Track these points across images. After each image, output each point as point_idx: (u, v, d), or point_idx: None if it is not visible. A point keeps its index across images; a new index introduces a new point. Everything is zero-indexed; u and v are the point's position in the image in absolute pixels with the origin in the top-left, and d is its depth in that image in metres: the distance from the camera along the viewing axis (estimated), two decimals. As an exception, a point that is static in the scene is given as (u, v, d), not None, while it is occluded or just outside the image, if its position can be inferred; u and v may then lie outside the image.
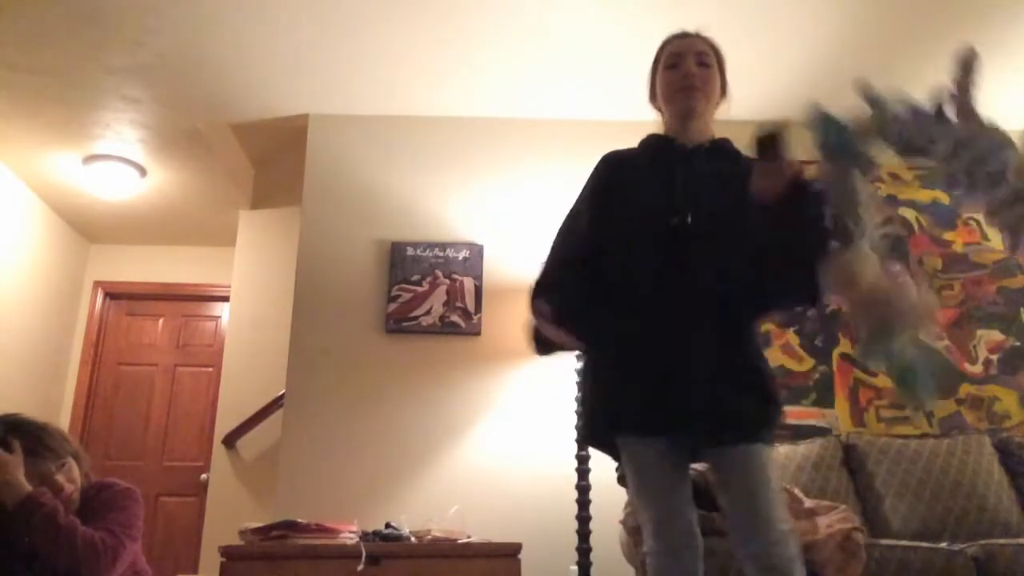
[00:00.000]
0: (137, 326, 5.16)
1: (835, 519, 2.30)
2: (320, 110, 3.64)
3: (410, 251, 3.43)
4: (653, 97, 2.08)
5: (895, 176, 3.55)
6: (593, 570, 2.82)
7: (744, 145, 1.92)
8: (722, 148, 1.99)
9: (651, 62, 2.07)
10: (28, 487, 1.79)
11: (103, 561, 1.79)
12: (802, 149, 1.85)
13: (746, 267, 1.70)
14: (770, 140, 1.69)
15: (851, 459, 2.93)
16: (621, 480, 2.63)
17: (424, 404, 3.27)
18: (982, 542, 2.40)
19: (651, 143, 2.05)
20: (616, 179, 2.00)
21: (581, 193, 2.03)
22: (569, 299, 1.83)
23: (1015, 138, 1.50)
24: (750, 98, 3.51)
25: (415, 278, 3.39)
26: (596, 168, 2.08)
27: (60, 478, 1.88)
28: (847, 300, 1.62)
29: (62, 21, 3.03)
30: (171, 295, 5.16)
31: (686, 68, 1.95)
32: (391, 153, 3.60)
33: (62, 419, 4.84)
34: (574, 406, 2.95)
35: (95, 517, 1.88)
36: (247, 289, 4.22)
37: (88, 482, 1.99)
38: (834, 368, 3.34)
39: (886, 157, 1.66)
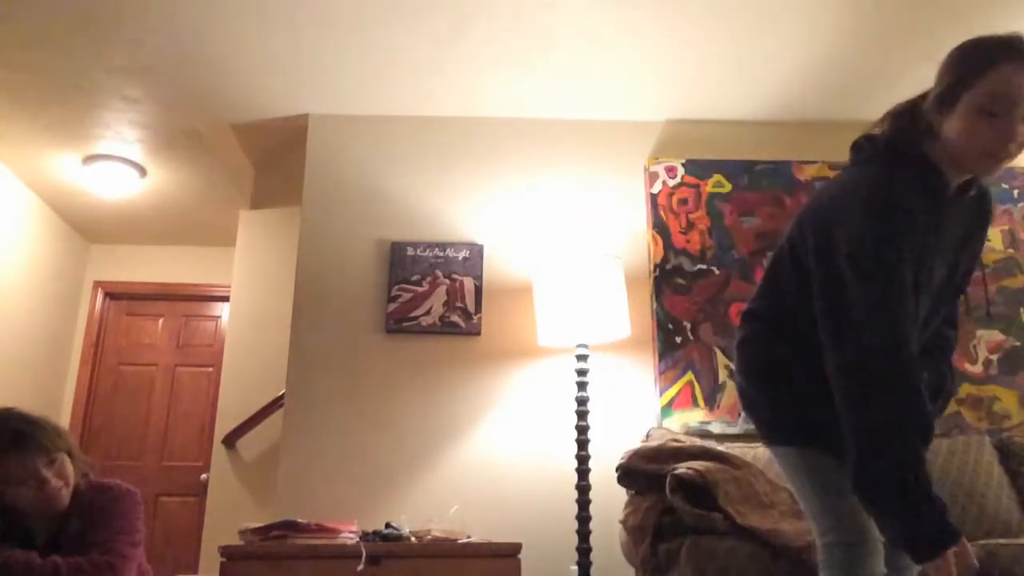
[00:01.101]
0: (137, 326, 5.16)
1: (835, 519, 2.29)
2: (320, 110, 3.64)
3: (410, 251, 3.43)
4: (941, 109, 1.51)
5: (895, 176, 3.55)
6: (593, 570, 2.82)
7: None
8: (969, 197, 1.60)
9: (955, 61, 1.54)
10: None
11: None
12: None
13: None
14: None
15: (851, 459, 2.93)
16: (621, 480, 2.63)
17: (424, 404, 3.27)
18: (982, 542, 2.40)
19: (929, 184, 1.51)
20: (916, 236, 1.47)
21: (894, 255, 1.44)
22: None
23: None
24: (750, 98, 3.53)
25: (415, 278, 3.39)
26: (906, 223, 1.45)
27: (47, 473, 1.87)
28: None
29: (62, 21, 3.03)
30: (171, 295, 5.16)
31: (1012, 130, 1.43)
32: (391, 153, 3.60)
33: (62, 419, 4.84)
34: (574, 406, 2.95)
35: (95, 524, 1.88)
36: (247, 289, 4.22)
37: (88, 483, 1.99)
38: (834, 368, 3.34)
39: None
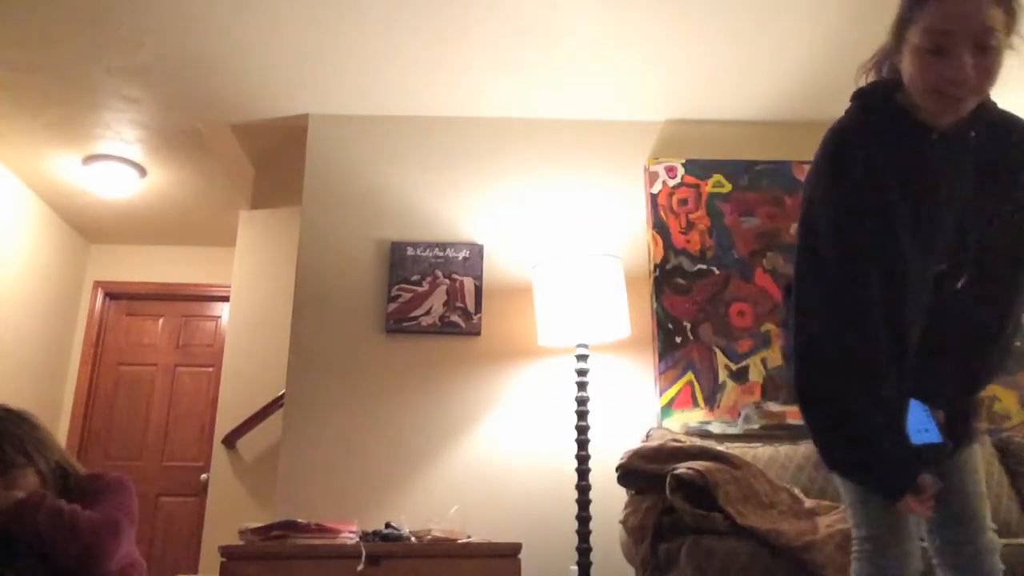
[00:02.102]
0: (137, 326, 5.16)
1: (835, 519, 2.30)
2: (320, 110, 3.64)
3: (410, 251, 3.43)
4: (896, 46, 1.41)
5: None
6: (593, 570, 2.82)
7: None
8: (987, 124, 1.42)
9: None
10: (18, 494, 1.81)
11: (107, 540, 1.80)
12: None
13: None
14: None
15: (851, 459, 2.92)
16: (621, 480, 2.63)
17: (424, 404, 3.27)
18: (982, 542, 2.39)
19: (887, 121, 1.41)
20: (863, 189, 1.38)
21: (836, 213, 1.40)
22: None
23: None
24: (750, 98, 3.53)
25: (415, 278, 3.39)
26: (840, 163, 1.40)
27: None
28: None
29: (62, 21, 3.03)
30: (171, 295, 5.17)
31: (958, 69, 1.29)
32: (391, 153, 3.60)
33: (62, 419, 4.85)
34: (574, 406, 2.95)
35: (90, 504, 1.88)
36: (247, 289, 4.22)
37: (78, 475, 2.00)
38: (834, 368, 3.34)
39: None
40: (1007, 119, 1.47)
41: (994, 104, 1.44)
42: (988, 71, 1.31)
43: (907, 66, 1.37)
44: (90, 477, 1.99)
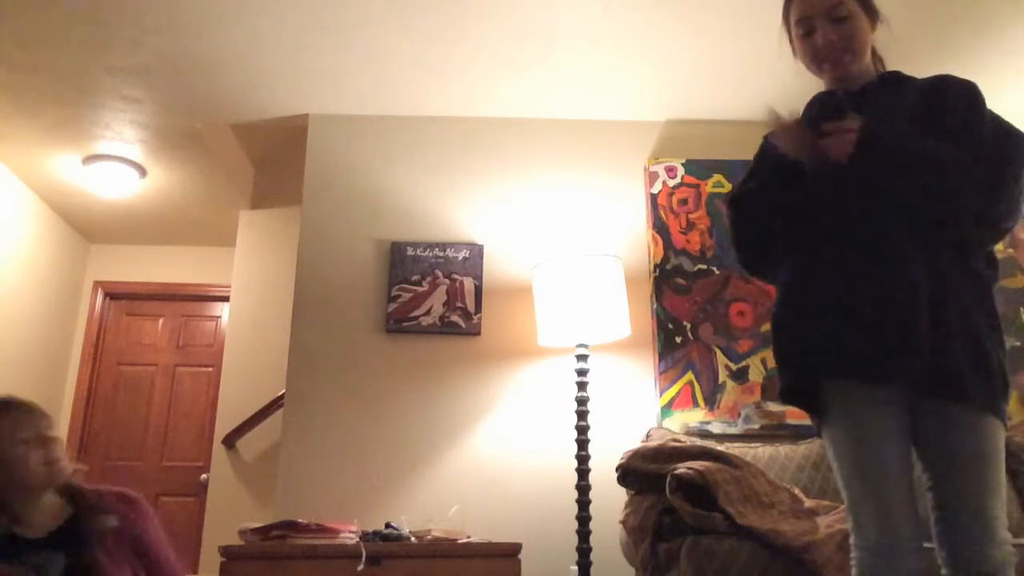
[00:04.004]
0: (137, 326, 5.16)
1: (835, 519, 2.30)
2: (320, 110, 3.64)
3: (410, 251, 3.43)
4: (793, 51, 1.84)
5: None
6: (593, 570, 2.82)
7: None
8: (893, 80, 1.74)
9: (781, 13, 1.82)
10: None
11: None
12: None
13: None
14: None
15: (851, 459, 2.92)
16: (621, 480, 2.63)
17: (424, 404, 3.27)
18: (982, 542, 2.39)
19: (814, 102, 1.80)
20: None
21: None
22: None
23: None
24: (750, 98, 3.53)
25: (415, 278, 3.39)
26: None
27: (52, 435, 1.93)
28: None
29: (62, 21, 3.03)
30: (171, 295, 5.17)
31: (823, 38, 1.69)
32: (391, 153, 3.60)
33: (62, 419, 4.85)
34: (574, 406, 2.95)
35: (125, 525, 1.87)
36: (247, 289, 4.22)
37: (96, 489, 2.00)
38: (834, 368, 3.34)
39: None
40: (906, 77, 1.77)
41: (902, 74, 1.77)
42: (848, 34, 1.69)
43: (799, 53, 1.79)
44: (119, 496, 1.98)
